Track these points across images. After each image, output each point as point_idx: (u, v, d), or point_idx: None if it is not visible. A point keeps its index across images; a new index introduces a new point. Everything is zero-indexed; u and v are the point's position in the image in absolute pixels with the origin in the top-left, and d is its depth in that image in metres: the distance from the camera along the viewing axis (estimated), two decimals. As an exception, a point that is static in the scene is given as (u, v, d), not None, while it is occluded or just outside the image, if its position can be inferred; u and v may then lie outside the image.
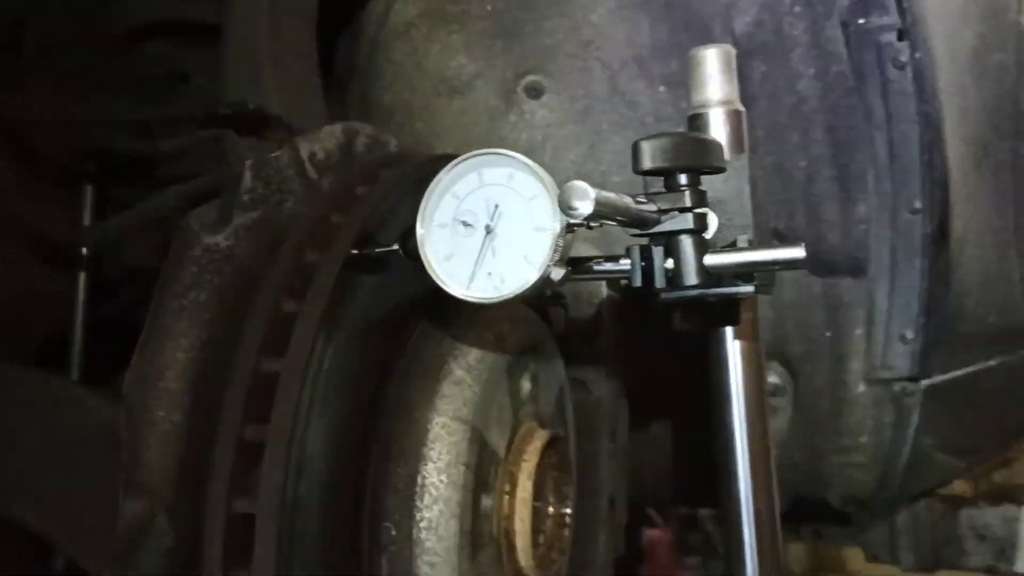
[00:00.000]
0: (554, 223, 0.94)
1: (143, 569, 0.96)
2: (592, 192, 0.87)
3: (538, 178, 0.95)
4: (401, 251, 1.02)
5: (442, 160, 1.25)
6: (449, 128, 2.20)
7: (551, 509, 1.31)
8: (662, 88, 2.15)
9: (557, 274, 0.95)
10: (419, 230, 0.99)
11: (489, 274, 0.95)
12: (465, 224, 0.97)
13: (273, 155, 1.12)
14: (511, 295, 0.94)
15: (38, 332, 1.72)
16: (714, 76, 1.28)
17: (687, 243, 0.97)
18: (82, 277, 1.63)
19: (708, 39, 2.08)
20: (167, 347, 1.00)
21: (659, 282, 0.97)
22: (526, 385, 1.28)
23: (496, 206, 0.96)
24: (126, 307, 1.78)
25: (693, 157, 0.98)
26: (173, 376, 0.99)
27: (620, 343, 1.56)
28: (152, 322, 1.00)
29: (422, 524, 1.06)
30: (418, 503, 1.07)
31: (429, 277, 1.00)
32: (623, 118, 2.17)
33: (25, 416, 1.36)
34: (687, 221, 0.97)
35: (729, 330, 1.26)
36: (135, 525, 0.93)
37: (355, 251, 1.05)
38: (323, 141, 1.19)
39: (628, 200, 0.94)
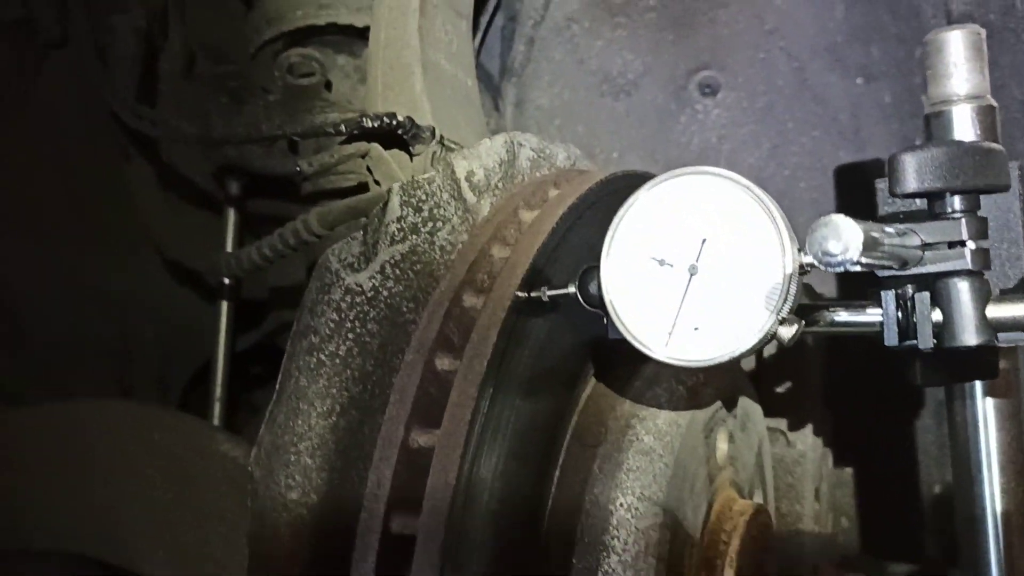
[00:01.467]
0: (783, 264, 0.71)
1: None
2: (859, 233, 0.64)
3: (760, 204, 0.73)
4: (579, 295, 0.82)
5: (626, 179, 1.05)
6: (614, 131, 2.00)
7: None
8: (859, 80, 1.88)
9: (787, 331, 0.72)
10: (603, 269, 0.79)
11: (695, 329, 0.74)
12: (662, 263, 0.76)
13: (425, 177, 0.94)
14: (723, 358, 0.73)
15: (184, 364, 1.62)
16: (960, 64, 1.02)
17: (963, 289, 0.73)
18: (224, 306, 1.52)
19: (917, 21, 1.80)
20: (301, 412, 0.83)
21: (924, 342, 0.73)
22: (723, 446, 1.06)
23: (703, 241, 0.75)
24: (272, 331, 1.67)
25: (973, 173, 0.74)
26: (308, 448, 0.82)
27: (825, 384, 1.32)
28: (284, 382, 0.84)
29: (604, 630, 0.86)
30: (599, 604, 0.87)
31: (614, 328, 0.80)
32: (812, 115, 1.92)
33: (159, 462, 1.25)
34: (963, 259, 0.73)
35: (980, 384, 1.01)
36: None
37: (522, 294, 0.86)
38: (482, 158, 1.00)
39: (894, 236, 0.70)
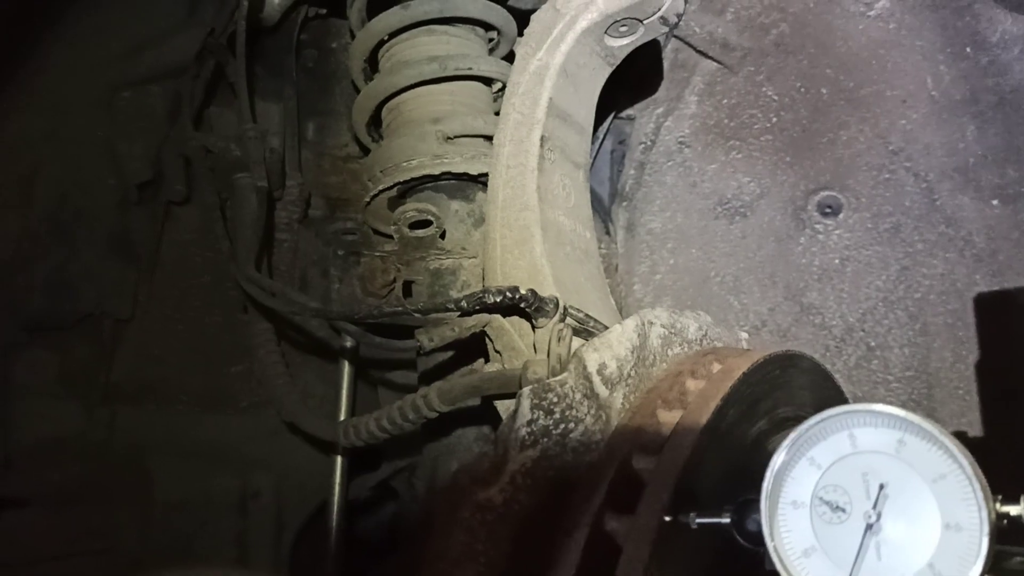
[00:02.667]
0: (978, 520, 0.64)
1: None
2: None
3: (945, 449, 0.66)
4: (734, 529, 0.76)
5: (774, 365, 0.98)
6: (730, 253, 1.94)
7: None
8: (995, 202, 1.79)
9: (983, 594, 0.65)
10: (763, 506, 0.72)
11: (878, 588, 0.66)
12: (834, 508, 0.69)
13: (557, 380, 0.89)
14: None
15: (299, 508, 1.61)
16: None
17: None
18: (339, 460, 1.50)
19: (1058, 141, 1.70)
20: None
21: None
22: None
23: (881, 486, 0.68)
24: (386, 477, 1.64)
25: None
26: None
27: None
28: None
29: None
30: None
31: (766, 560, 0.73)
32: (943, 237, 1.82)
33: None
34: None
35: None
36: None
37: (669, 518, 0.80)
38: (614, 347, 0.96)
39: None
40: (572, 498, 0.86)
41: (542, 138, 1.31)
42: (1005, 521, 0.65)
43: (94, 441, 1.44)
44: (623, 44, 1.36)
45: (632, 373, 0.97)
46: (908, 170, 1.82)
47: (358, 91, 1.66)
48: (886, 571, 0.66)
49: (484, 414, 1.41)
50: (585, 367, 0.92)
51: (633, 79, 1.81)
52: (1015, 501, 0.65)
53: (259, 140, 1.47)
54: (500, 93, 1.69)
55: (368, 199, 1.56)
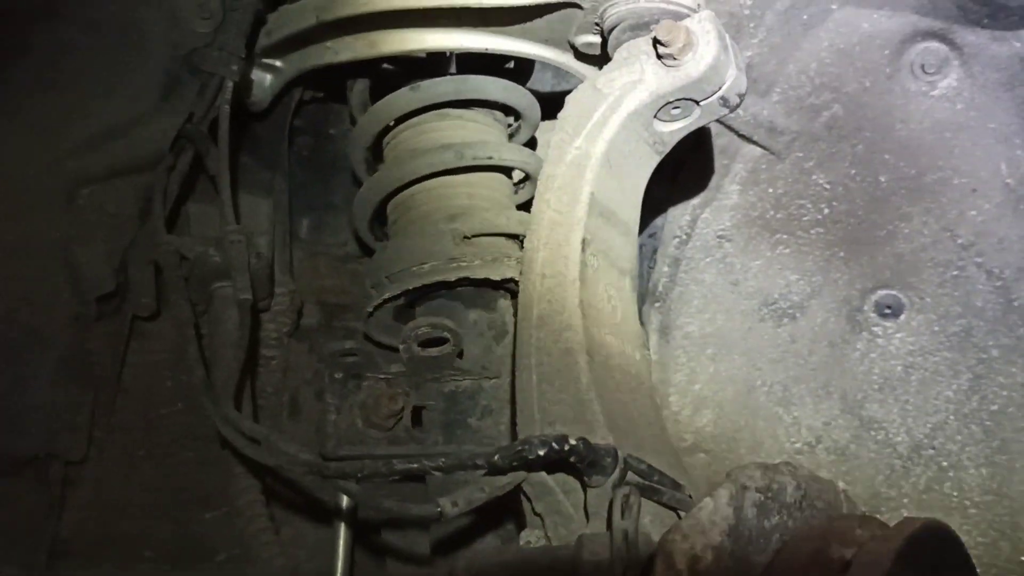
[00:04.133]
0: None
1: None
2: None
3: None
4: None
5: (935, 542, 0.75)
6: (778, 360, 1.76)
7: None
8: (1078, 302, 1.61)
9: None
10: None
11: None
12: None
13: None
14: None
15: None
16: None
17: None
18: (342, 527, 1.25)
19: None
20: None
21: None
22: None
23: None
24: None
25: None
26: None
27: None
28: None
29: None
30: None
31: None
32: (1021, 342, 1.66)
33: None
34: None
35: None
36: None
37: None
38: (708, 533, 0.72)
39: None
40: None
41: (583, 241, 1.09)
42: None
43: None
44: (675, 129, 1.16)
45: (729, 565, 0.74)
46: (980, 266, 1.67)
47: (359, 184, 1.48)
48: None
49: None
50: (674, 563, 0.69)
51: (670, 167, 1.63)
52: None
53: (243, 244, 1.26)
54: (522, 185, 1.50)
55: (371, 309, 1.35)
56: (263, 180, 1.52)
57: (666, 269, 1.81)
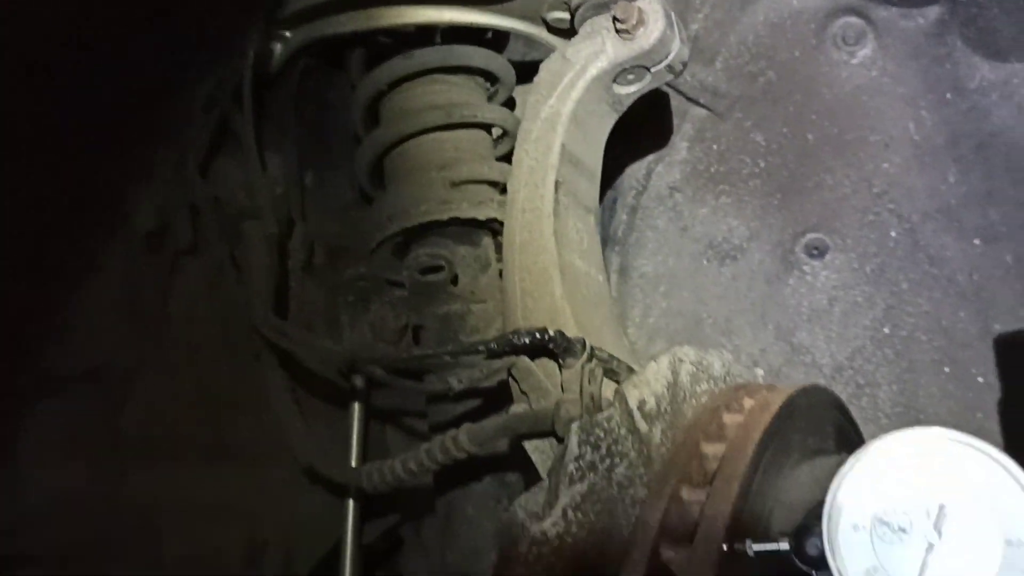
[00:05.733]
0: (1040, 539, 0.67)
1: None
2: None
3: (1006, 471, 0.68)
4: (793, 554, 0.78)
5: (814, 396, 1.01)
6: (721, 296, 1.97)
7: None
8: (977, 241, 1.84)
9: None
10: (824, 530, 0.75)
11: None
12: (894, 529, 0.72)
13: (604, 415, 0.91)
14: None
15: (308, 556, 1.59)
16: None
17: None
18: (351, 506, 1.49)
19: (1036, 182, 1.78)
20: None
21: None
22: None
23: (940, 507, 0.70)
24: (395, 524, 1.63)
25: None
26: None
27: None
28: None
29: None
30: None
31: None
32: (927, 276, 1.87)
33: None
34: None
35: None
36: None
37: (726, 547, 0.82)
38: (651, 384, 0.98)
39: None
40: (623, 531, 0.87)
41: (556, 183, 1.34)
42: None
43: (102, 498, 1.42)
44: (630, 92, 1.40)
45: (667, 409, 0.99)
46: (892, 212, 1.88)
47: (359, 141, 1.68)
48: (953, 590, 0.69)
49: (500, 460, 1.42)
50: (627, 403, 0.94)
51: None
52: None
53: (268, 186, 1.48)
54: (500, 140, 1.73)
55: (374, 245, 1.57)
56: (273, 140, 1.73)
57: (624, 217, 2.03)
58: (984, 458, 0.69)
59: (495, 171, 1.59)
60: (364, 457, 1.50)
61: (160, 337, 1.48)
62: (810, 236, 1.91)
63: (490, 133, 1.69)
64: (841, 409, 1.08)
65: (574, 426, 0.90)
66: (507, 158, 1.51)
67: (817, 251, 1.92)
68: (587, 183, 1.43)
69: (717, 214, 1.97)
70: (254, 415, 1.52)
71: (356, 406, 1.47)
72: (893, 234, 1.87)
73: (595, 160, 1.45)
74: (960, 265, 1.85)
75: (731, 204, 1.97)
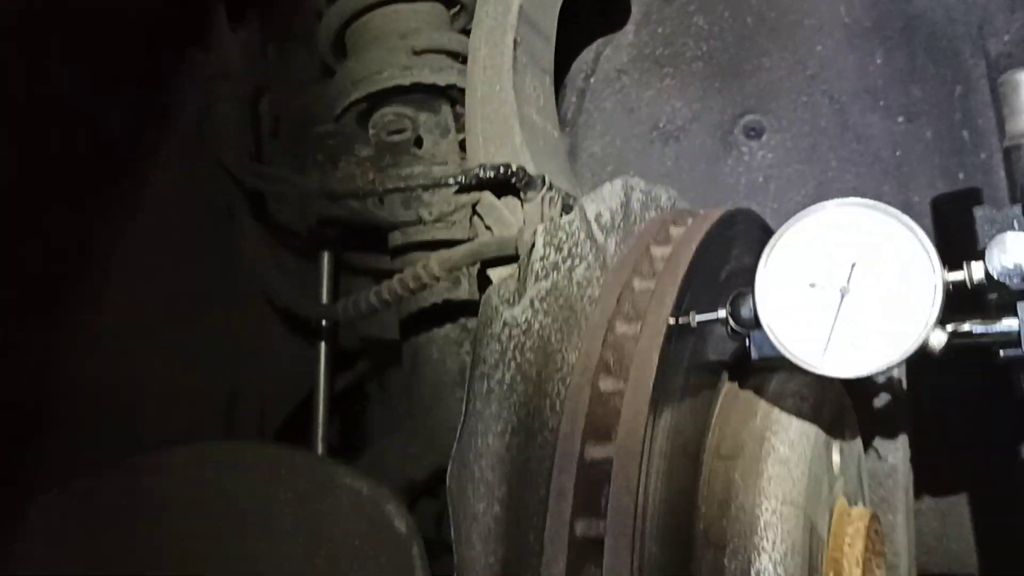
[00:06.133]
0: (932, 281, 0.81)
1: None
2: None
3: (908, 228, 0.82)
4: (730, 319, 0.91)
5: (741, 216, 1.14)
6: (665, 175, 2.09)
7: (865, 594, 1.16)
8: (900, 119, 1.99)
9: (937, 339, 0.81)
10: (758, 295, 0.88)
11: (852, 343, 0.83)
12: (814, 286, 0.85)
13: (566, 219, 1.03)
14: (881, 367, 0.82)
15: (280, 407, 1.69)
16: (1035, 100, 1.12)
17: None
18: (323, 347, 1.60)
19: (956, 63, 1.92)
20: (479, 433, 0.91)
21: (1059, 344, 0.82)
22: (836, 458, 1.14)
23: (853, 265, 0.84)
24: (363, 375, 1.75)
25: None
26: (488, 465, 0.90)
27: (913, 399, 1.40)
28: (466, 407, 0.93)
29: (761, 624, 0.94)
30: (754, 599, 0.94)
31: (761, 350, 0.89)
32: (855, 154, 2.01)
33: (290, 499, 1.31)
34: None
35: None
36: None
37: (673, 320, 0.95)
38: (607, 200, 1.10)
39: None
40: (581, 320, 1.00)
41: (515, 41, 1.43)
42: (951, 287, 0.82)
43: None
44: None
45: (620, 225, 1.12)
46: (824, 93, 2.00)
47: (320, 18, 1.74)
48: (860, 331, 0.83)
49: (462, 307, 1.54)
50: (585, 213, 1.06)
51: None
52: (958, 267, 0.82)
53: (238, 48, 1.55)
54: (457, 15, 1.80)
55: (339, 111, 1.65)
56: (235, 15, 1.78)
57: (574, 100, 2.14)
58: (886, 218, 0.83)
59: (454, 42, 1.67)
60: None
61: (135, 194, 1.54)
62: (748, 118, 2.04)
63: (448, 8, 1.76)
64: (765, 229, 1.21)
65: (539, 228, 1.01)
66: (465, 33, 1.60)
67: (754, 132, 2.05)
68: (543, 45, 1.53)
69: (662, 96, 2.08)
70: (229, 272, 1.60)
71: (326, 255, 1.56)
72: (824, 114, 2.00)
73: (550, 24, 1.55)
74: (884, 142, 1.98)
75: (675, 86, 2.08)
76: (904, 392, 1.33)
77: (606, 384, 0.93)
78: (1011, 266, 0.74)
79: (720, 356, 1.08)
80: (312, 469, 1.37)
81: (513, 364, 0.95)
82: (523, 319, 0.97)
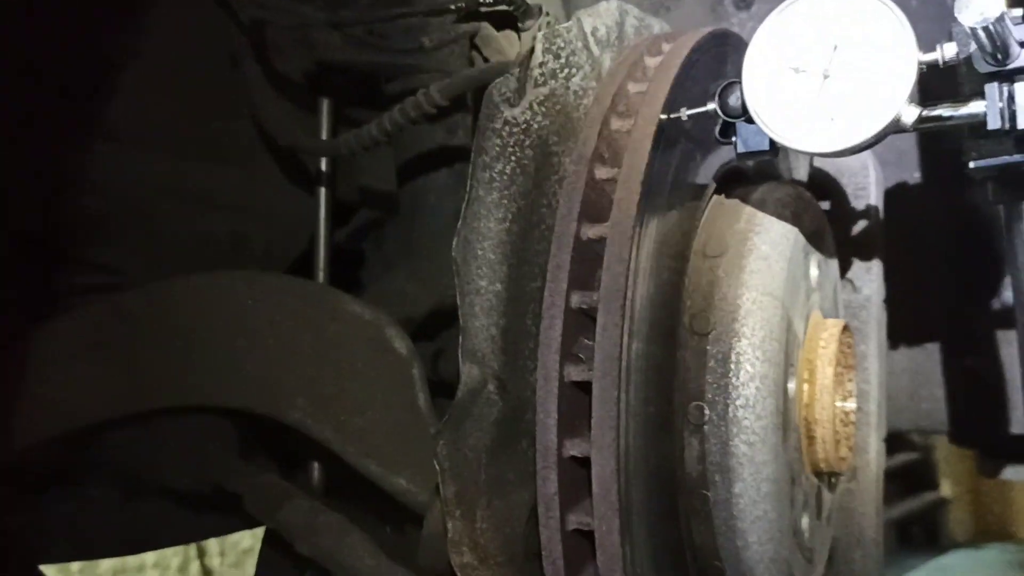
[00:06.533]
0: (908, 56, 0.86)
1: (470, 442, 0.94)
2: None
3: (887, 8, 0.87)
4: (718, 108, 0.97)
5: (736, 37, 1.19)
6: (655, 45, 2.14)
7: (836, 404, 1.24)
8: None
9: (909, 115, 0.87)
10: (744, 81, 0.93)
11: (832, 120, 0.89)
12: (798, 71, 0.91)
13: (564, 25, 1.07)
14: (859, 142, 0.88)
15: (282, 258, 1.75)
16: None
17: (1055, 77, 0.88)
18: (323, 193, 1.65)
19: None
20: (482, 217, 0.97)
21: (1023, 121, 0.88)
22: (814, 272, 1.21)
23: (835, 47, 0.89)
24: (362, 226, 1.80)
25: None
26: (491, 246, 0.97)
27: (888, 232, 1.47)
28: (469, 191, 0.99)
29: (739, 402, 1.02)
30: (733, 380, 1.02)
31: (745, 143, 0.95)
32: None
33: (300, 325, 1.38)
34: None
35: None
36: (471, 388, 0.92)
37: (664, 115, 1.00)
38: (603, 17, 1.14)
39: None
40: (578, 127, 1.05)
41: None
42: (924, 66, 0.87)
43: (95, 182, 1.54)
44: None
45: (615, 43, 1.16)
46: None
47: None
48: (840, 108, 0.88)
49: (457, 152, 1.58)
50: (583, 25, 1.11)
51: None
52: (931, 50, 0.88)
53: None
54: None
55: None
56: None
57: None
58: (870, 2, 0.88)
59: None
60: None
61: (135, 34, 1.57)
62: (738, -12, 2.08)
63: None
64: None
65: (539, 35, 1.06)
66: None
67: (744, 2, 2.08)
68: None
69: (655, -34, 2.11)
70: (236, 117, 1.64)
71: (325, 102, 1.60)
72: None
73: None
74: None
75: (668, -45, 2.11)
76: (880, 221, 1.40)
77: (601, 172, 0.99)
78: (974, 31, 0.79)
79: (708, 168, 1.14)
80: (318, 296, 1.44)
81: (513, 158, 1.00)
82: (522, 120, 1.02)
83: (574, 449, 0.91)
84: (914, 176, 1.80)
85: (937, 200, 1.75)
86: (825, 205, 1.46)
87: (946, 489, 8.27)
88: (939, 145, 1.74)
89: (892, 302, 1.54)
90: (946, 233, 1.72)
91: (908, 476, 8.04)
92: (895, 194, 1.61)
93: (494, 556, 0.94)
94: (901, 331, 1.84)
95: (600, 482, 0.88)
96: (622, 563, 0.89)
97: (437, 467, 0.92)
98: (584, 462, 0.91)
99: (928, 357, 1.89)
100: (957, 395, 1.89)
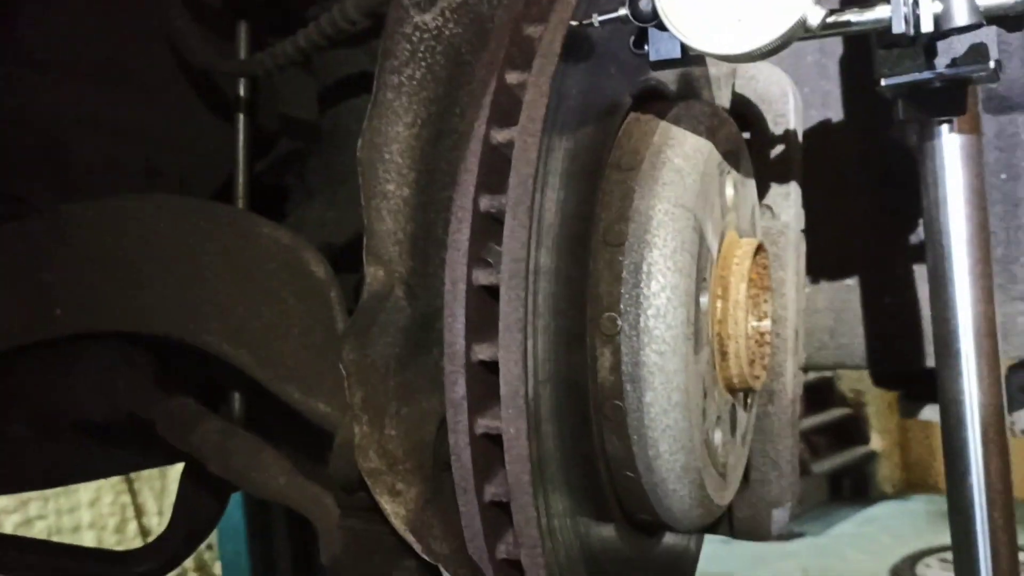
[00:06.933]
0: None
1: (378, 348, 0.93)
2: None
3: None
4: (630, 14, 0.96)
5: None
6: None
7: (751, 324, 1.26)
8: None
9: (815, 17, 0.88)
10: (654, -15, 0.93)
11: (739, 20, 0.88)
12: (707, -28, 0.90)
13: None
14: (767, 43, 0.88)
15: (202, 190, 1.71)
16: None
17: (957, -18, 0.88)
18: (241, 120, 1.61)
19: None
20: (390, 121, 0.96)
21: (926, 25, 0.89)
22: (729, 191, 1.22)
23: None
24: (283, 157, 1.77)
25: None
26: (398, 151, 0.95)
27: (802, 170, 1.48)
28: (375, 94, 0.97)
29: (650, 312, 1.02)
30: (645, 290, 1.02)
31: (658, 51, 0.94)
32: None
33: (213, 249, 1.35)
34: (955, -42, 0.88)
35: (946, 126, 1.18)
36: (377, 292, 0.90)
37: (575, 23, 0.99)
38: None
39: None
40: (497, 24, 1.04)
41: None
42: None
43: (6, 113, 1.49)
44: None
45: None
46: None
47: None
48: (746, 10, 0.89)
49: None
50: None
51: None
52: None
53: None
54: None
55: None
56: None
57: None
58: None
59: None
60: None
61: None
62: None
63: None
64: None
65: (451, -58, 1.04)
66: None
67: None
68: None
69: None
70: (152, 42, 1.59)
71: (243, 25, 1.56)
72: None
73: None
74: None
75: None
76: (798, 146, 1.41)
77: (511, 77, 0.97)
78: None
79: (626, 85, 1.13)
80: (234, 220, 1.40)
81: (424, 64, 0.99)
82: (433, 25, 1.01)
83: (483, 353, 0.91)
84: (838, 115, 1.83)
85: (859, 141, 1.78)
86: (747, 136, 1.47)
87: (876, 443, 8.53)
88: (863, 84, 1.76)
89: (814, 241, 1.56)
90: (868, 172, 1.75)
91: (839, 430, 8.28)
92: (818, 133, 1.63)
93: (402, 462, 0.93)
94: (822, 269, 1.87)
95: (507, 383, 0.87)
96: (530, 465, 0.89)
97: (343, 372, 0.91)
98: (493, 367, 0.91)
99: (849, 293, 1.93)
100: (877, 332, 1.93)
